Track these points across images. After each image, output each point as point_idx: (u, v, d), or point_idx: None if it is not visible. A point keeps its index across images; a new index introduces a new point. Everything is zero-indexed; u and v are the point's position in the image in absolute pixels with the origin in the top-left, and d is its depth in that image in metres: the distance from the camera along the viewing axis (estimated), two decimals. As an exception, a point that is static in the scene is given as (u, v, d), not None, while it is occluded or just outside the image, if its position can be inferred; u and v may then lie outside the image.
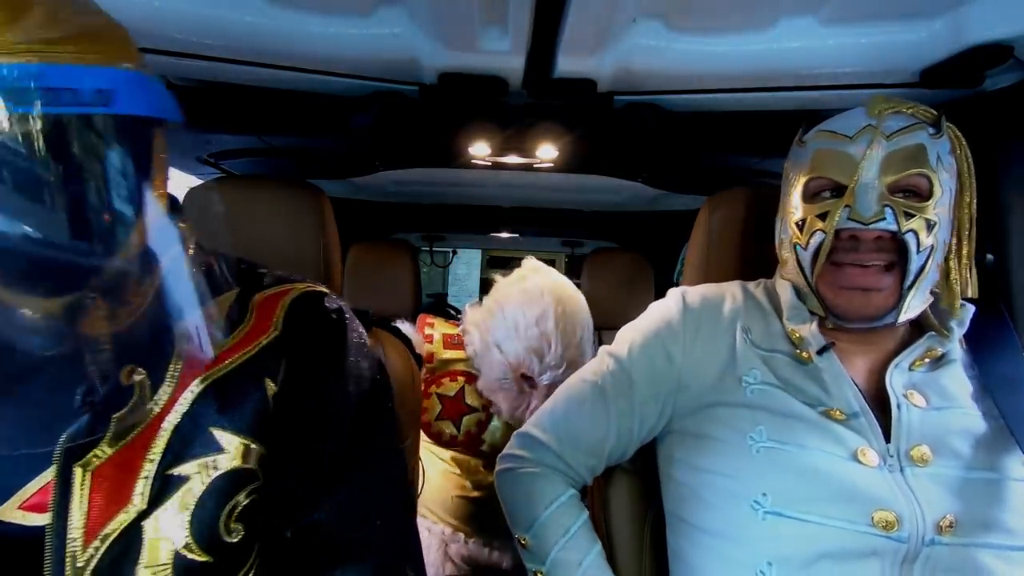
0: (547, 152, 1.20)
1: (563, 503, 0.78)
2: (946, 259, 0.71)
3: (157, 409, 0.51)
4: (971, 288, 0.72)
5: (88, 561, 0.47)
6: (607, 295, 1.98)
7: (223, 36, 0.84)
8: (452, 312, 2.90)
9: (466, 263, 6.87)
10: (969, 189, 0.72)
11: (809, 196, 0.73)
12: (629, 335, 0.82)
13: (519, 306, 1.14)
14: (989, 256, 0.95)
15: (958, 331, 0.72)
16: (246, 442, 0.53)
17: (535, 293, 1.13)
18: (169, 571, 0.49)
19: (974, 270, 0.72)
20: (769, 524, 0.64)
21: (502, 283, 1.26)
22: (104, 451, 0.49)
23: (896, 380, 0.70)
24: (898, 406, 0.68)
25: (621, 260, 2.04)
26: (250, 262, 0.64)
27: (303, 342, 0.58)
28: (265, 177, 1.17)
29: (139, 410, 0.51)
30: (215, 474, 0.51)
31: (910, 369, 0.71)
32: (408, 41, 0.86)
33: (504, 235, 2.76)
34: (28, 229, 0.43)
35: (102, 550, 0.47)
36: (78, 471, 0.48)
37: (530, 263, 1.27)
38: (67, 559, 0.47)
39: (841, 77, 0.90)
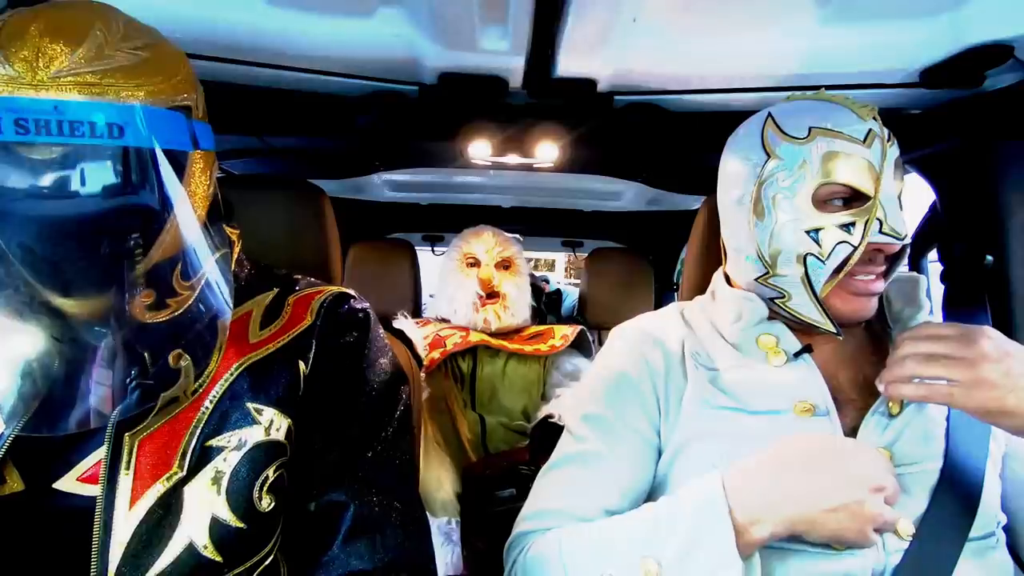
0: (547, 152, 1.20)
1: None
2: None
3: (201, 390, 0.59)
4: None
5: (134, 520, 0.53)
6: (607, 295, 1.98)
7: (223, 36, 0.84)
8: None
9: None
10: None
11: (820, 203, 0.68)
12: (593, 387, 0.77)
13: None
14: (988, 256, 0.95)
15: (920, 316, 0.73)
16: (277, 414, 0.60)
17: None
18: (206, 535, 0.54)
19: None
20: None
21: None
22: (151, 424, 0.56)
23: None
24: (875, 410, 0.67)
25: (621, 260, 2.04)
26: (286, 271, 0.74)
27: (333, 332, 0.66)
28: (265, 177, 1.17)
29: (184, 390, 0.57)
30: (249, 444, 0.58)
31: None
32: (408, 41, 0.86)
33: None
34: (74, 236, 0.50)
35: (145, 511, 0.53)
36: (127, 439, 0.55)
37: None
38: (114, 518, 0.52)
39: (841, 77, 0.90)
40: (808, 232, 0.67)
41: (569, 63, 0.89)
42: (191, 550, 0.54)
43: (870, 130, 0.67)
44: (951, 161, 1.03)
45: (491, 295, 1.49)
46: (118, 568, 0.51)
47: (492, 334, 1.49)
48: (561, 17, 0.76)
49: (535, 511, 0.71)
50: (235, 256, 0.66)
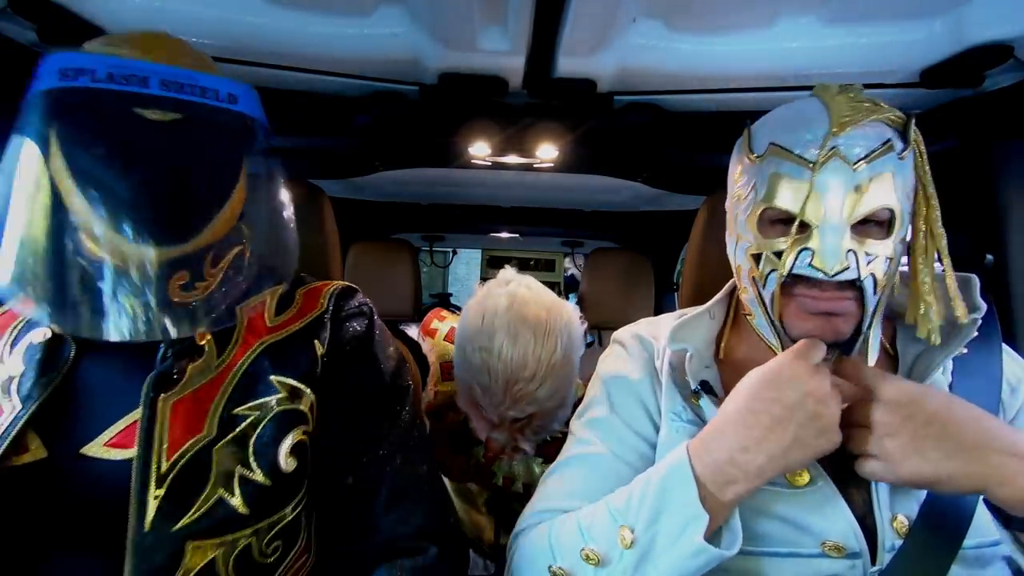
0: (547, 152, 1.20)
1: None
2: (912, 282, 0.65)
3: (224, 365, 0.65)
4: (959, 309, 0.64)
5: (168, 475, 0.58)
6: (607, 295, 1.98)
7: (223, 36, 0.84)
8: (455, 310, 2.90)
9: (466, 263, 6.87)
10: (933, 205, 0.64)
11: (764, 226, 0.65)
12: (596, 393, 0.77)
13: (466, 327, 1.02)
14: (988, 256, 0.95)
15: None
16: (298, 387, 0.66)
17: (489, 313, 0.99)
18: (236, 488, 0.60)
19: (954, 294, 0.64)
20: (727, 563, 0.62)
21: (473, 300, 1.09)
22: (182, 390, 0.62)
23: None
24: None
25: (621, 260, 2.04)
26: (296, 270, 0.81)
27: (344, 319, 0.73)
28: None
29: (208, 363, 0.64)
30: (272, 412, 0.64)
31: None
32: (408, 41, 0.86)
33: (504, 235, 2.76)
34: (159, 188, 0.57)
35: (178, 466, 0.58)
36: (160, 402, 0.60)
37: (505, 274, 1.13)
38: (151, 474, 0.57)
39: (841, 77, 0.89)
40: (753, 255, 0.65)
41: (569, 63, 0.89)
42: (221, 503, 0.59)
43: (830, 150, 0.60)
44: (951, 161, 1.03)
45: None
46: (152, 520, 0.56)
47: None
48: (561, 17, 0.76)
49: (537, 511, 0.71)
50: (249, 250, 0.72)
